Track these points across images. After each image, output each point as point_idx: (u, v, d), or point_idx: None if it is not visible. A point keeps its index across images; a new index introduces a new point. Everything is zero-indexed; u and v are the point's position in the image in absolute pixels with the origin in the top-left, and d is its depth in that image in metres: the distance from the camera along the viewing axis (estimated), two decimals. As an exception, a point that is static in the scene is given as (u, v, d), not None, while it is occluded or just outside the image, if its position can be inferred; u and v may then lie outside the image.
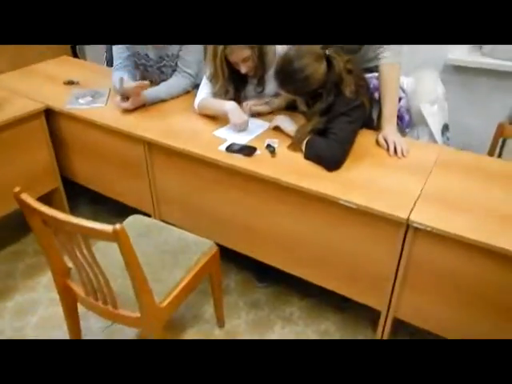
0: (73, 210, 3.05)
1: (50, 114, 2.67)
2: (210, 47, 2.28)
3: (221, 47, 2.22)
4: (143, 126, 2.39)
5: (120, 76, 2.53)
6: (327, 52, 2.02)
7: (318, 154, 2.01)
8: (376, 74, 2.29)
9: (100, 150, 2.59)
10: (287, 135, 2.20)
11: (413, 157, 2.08)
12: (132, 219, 2.23)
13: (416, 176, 1.95)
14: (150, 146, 2.35)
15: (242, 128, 2.27)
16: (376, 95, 2.28)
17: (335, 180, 1.92)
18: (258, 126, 2.34)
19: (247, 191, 2.12)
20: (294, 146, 2.12)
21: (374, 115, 2.31)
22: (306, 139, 2.06)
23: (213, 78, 2.38)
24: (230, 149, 2.15)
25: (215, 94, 2.42)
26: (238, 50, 2.22)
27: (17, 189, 1.67)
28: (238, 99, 2.45)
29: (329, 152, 1.97)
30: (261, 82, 2.43)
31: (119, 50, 2.70)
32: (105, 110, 2.56)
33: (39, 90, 2.82)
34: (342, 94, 2.03)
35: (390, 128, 2.17)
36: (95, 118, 2.50)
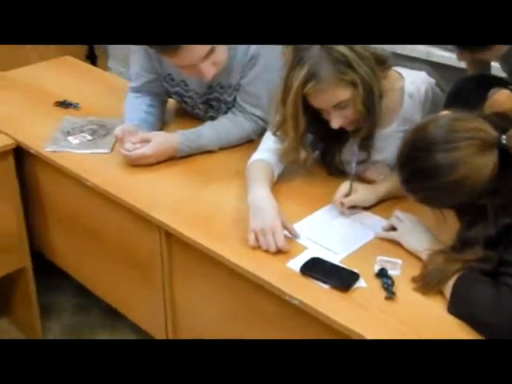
0: (46, 304, 2.00)
1: (22, 154, 1.67)
2: (282, 80, 1.25)
3: (298, 80, 1.18)
4: (165, 197, 1.38)
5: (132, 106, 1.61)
6: (503, 140, 0.98)
7: (478, 316, 1.01)
8: None
9: (92, 223, 1.57)
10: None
11: None
12: None
13: None
14: (170, 236, 1.32)
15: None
16: None
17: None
18: (367, 227, 1.28)
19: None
20: (426, 284, 1.09)
21: None
22: (455, 277, 1.05)
23: (279, 130, 1.35)
24: (308, 269, 1.13)
25: (284, 155, 1.38)
26: (329, 89, 1.19)
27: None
28: (332, 166, 1.43)
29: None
30: (366, 143, 1.35)
31: (136, 70, 1.67)
32: (108, 161, 1.55)
33: (11, 113, 1.78)
34: None
35: None
36: (87, 173, 1.49)
